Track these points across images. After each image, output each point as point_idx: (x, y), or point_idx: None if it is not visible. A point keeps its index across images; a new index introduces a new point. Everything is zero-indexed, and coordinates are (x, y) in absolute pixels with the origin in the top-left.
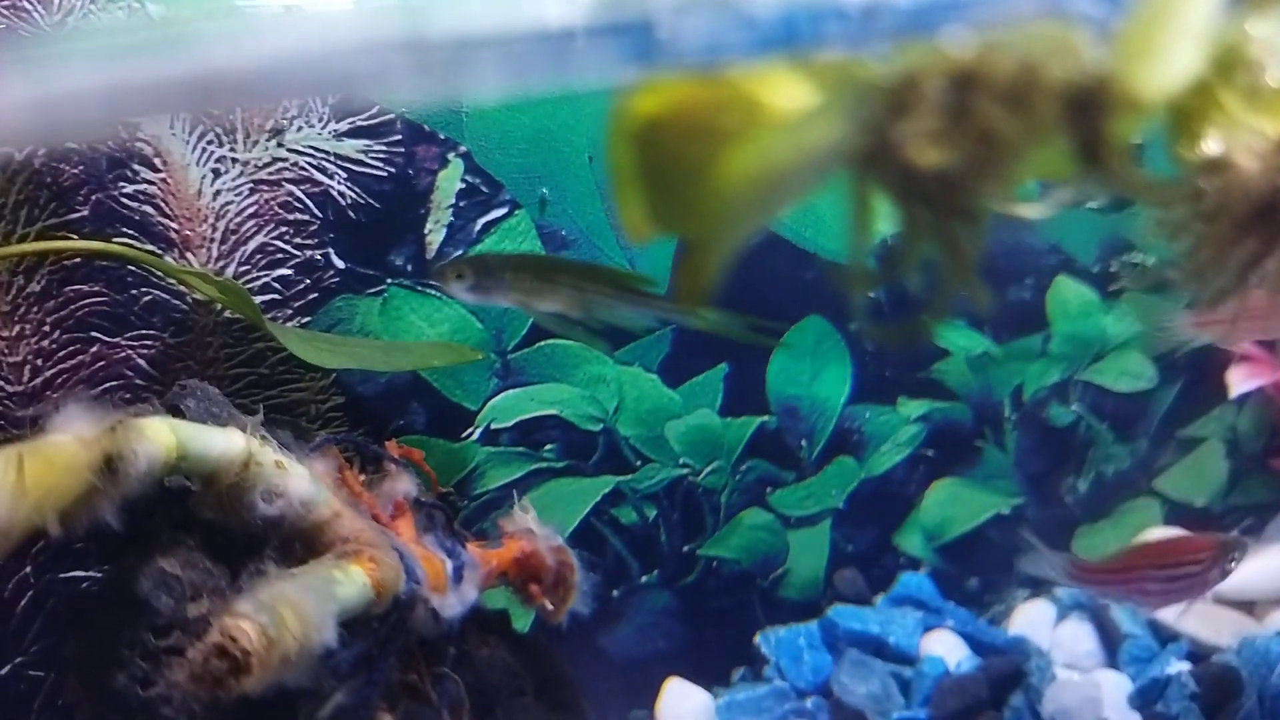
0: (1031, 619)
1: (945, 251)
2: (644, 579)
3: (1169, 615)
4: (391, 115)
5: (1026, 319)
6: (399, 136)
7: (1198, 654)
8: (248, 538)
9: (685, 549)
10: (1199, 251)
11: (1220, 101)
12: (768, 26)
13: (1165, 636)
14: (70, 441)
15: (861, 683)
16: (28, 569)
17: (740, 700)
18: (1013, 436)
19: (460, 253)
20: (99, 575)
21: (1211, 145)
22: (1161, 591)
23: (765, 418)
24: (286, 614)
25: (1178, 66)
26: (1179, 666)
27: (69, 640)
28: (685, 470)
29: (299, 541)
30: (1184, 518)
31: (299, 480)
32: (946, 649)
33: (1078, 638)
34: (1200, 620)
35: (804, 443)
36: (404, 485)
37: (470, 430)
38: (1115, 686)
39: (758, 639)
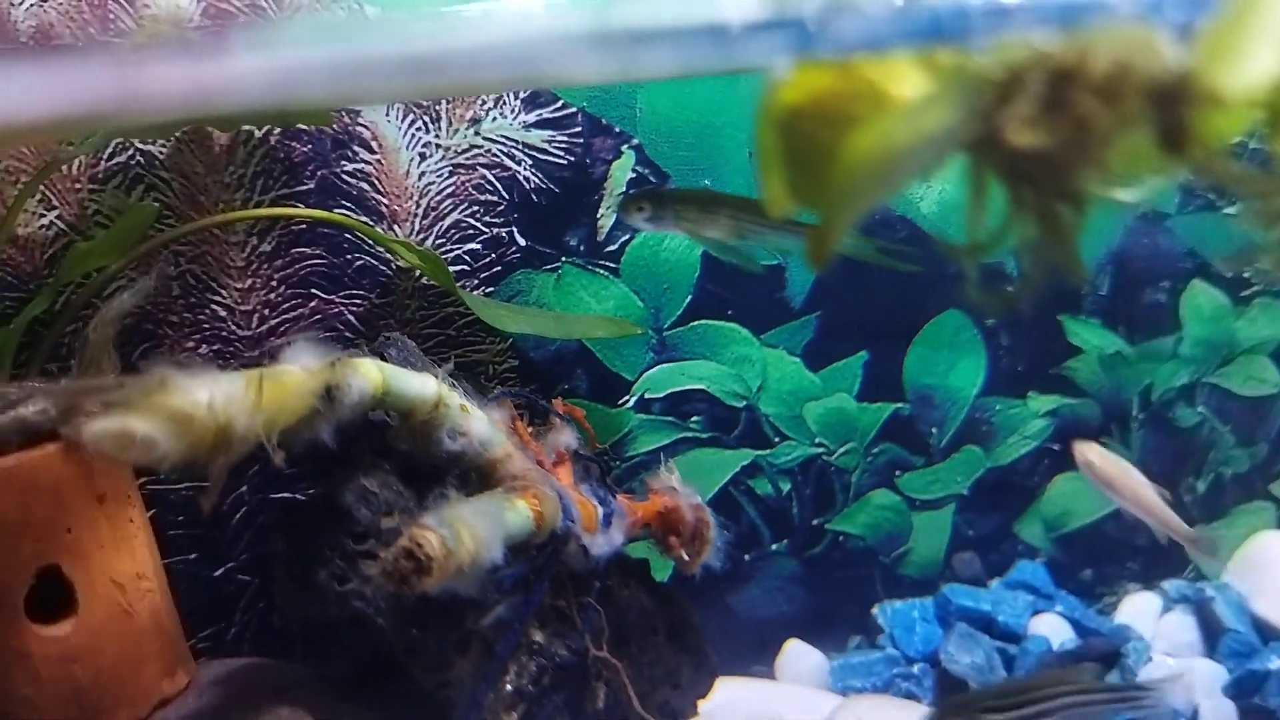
0: (1137, 609)
1: (1046, 230)
2: (774, 547)
3: (1273, 613)
4: (574, 110)
5: (1159, 321)
6: (579, 129)
7: None
8: (433, 468)
9: (814, 522)
10: None
11: None
12: (900, 23)
13: (1268, 634)
14: (299, 371)
15: (967, 653)
16: (244, 488)
17: (853, 664)
18: (1138, 435)
19: (628, 237)
20: (300, 498)
21: None
22: None
23: (900, 405)
24: (463, 531)
25: (1259, 65)
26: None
27: (280, 540)
28: (820, 449)
29: (476, 474)
30: None
31: (479, 423)
32: (1052, 631)
33: (1180, 629)
34: None
35: (935, 430)
36: (566, 438)
37: (626, 398)
38: (1211, 675)
39: (875, 610)
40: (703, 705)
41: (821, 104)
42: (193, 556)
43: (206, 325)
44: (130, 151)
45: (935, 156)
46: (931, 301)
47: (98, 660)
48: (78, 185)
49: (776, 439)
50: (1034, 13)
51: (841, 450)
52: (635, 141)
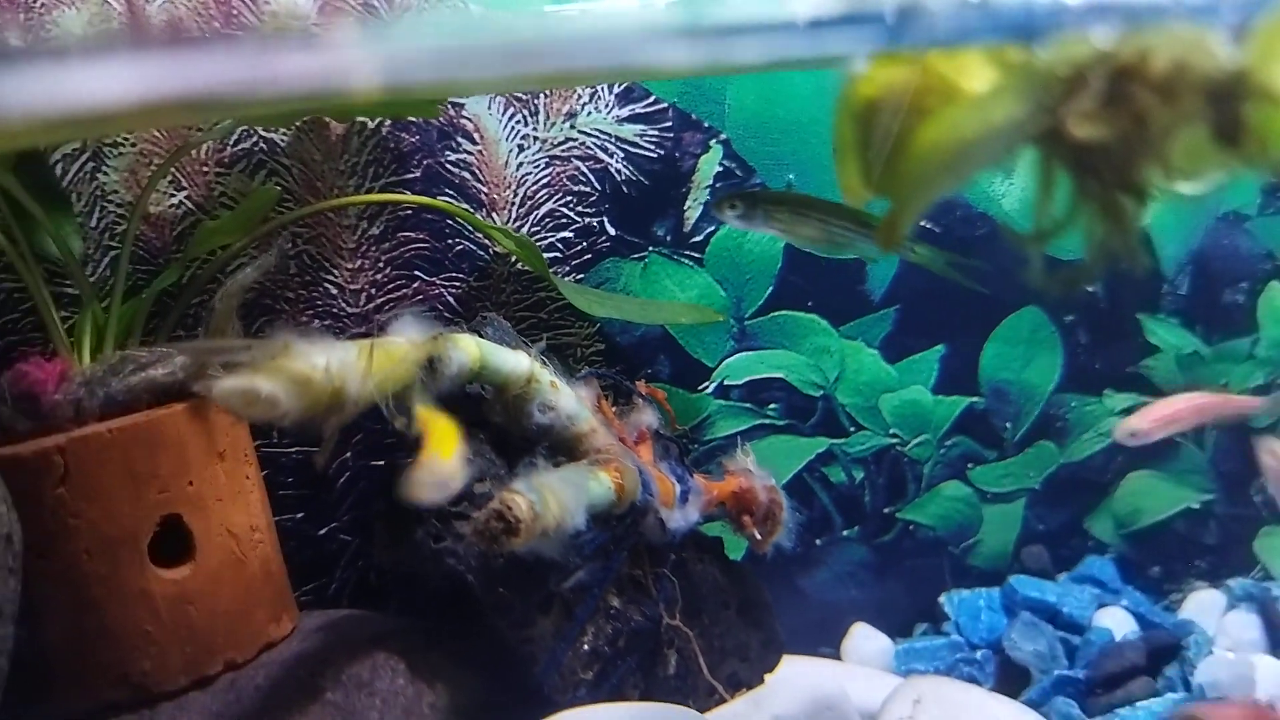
0: (1202, 605)
1: (1109, 219)
2: (845, 533)
3: None
4: (665, 105)
5: (1237, 321)
6: (670, 124)
7: None
8: (524, 439)
9: (886, 510)
10: None
11: None
12: (976, 19)
13: None
14: (404, 342)
15: (1030, 641)
16: (348, 455)
17: (918, 648)
18: (1211, 434)
19: (713, 228)
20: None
21: None
22: None
23: (975, 399)
24: (549, 497)
25: None
26: None
27: (382, 500)
28: (894, 440)
29: (562, 447)
30: None
31: (567, 399)
32: (1116, 623)
33: (1244, 626)
34: None
35: (1009, 425)
36: (647, 418)
37: (706, 384)
38: (1273, 670)
39: (942, 599)
40: (769, 678)
41: (895, 96)
42: (300, 515)
43: (319, 302)
44: (254, 138)
45: (1003, 148)
46: (1010, 297)
47: (212, 603)
48: (205, 168)
49: (852, 428)
50: (1096, 13)
51: (915, 441)
52: (723, 136)
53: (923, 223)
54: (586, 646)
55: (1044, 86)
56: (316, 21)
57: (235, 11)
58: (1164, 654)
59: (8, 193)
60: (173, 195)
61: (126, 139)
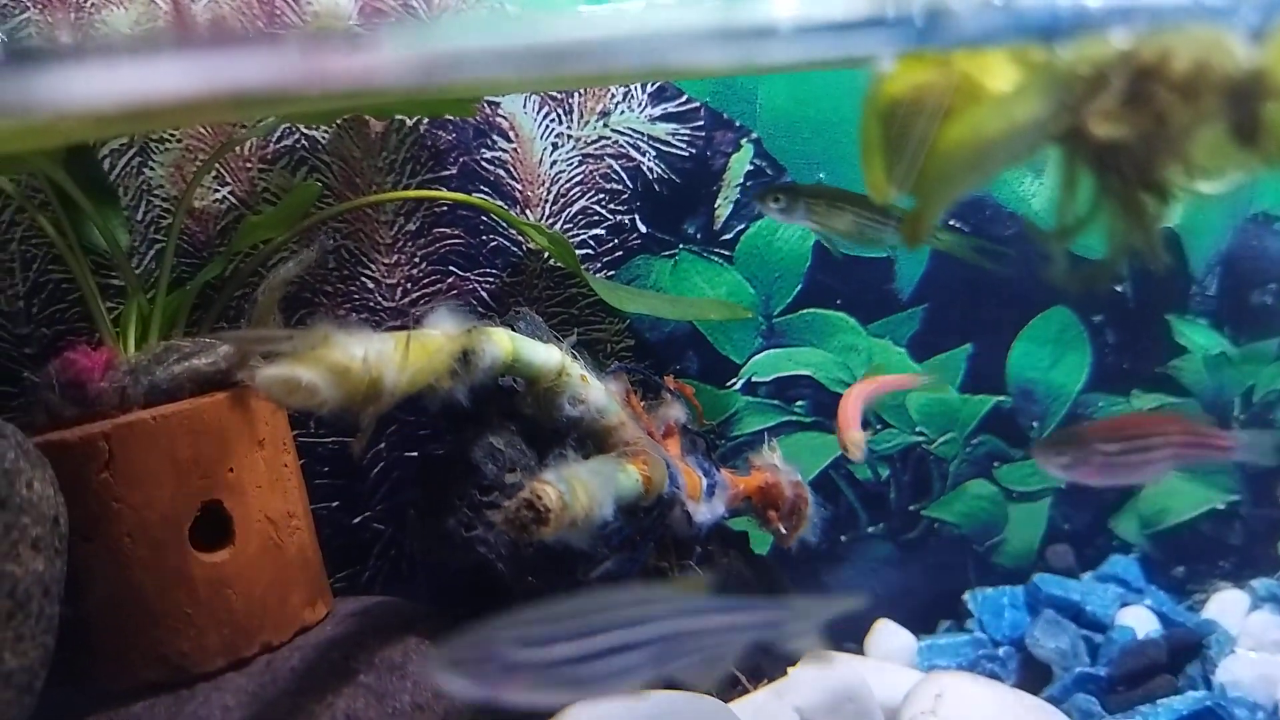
0: (1225, 605)
1: (1131, 216)
2: (870, 530)
3: None
4: (697, 104)
5: (1266, 323)
6: (702, 123)
7: None
8: (554, 431)
9: (911, 508)
10: None
11: None
12: (1001, 20)
13: None
14: (439, 335)
15: (1053, 638)
16: (382, 445)
17: (941, 644)
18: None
19: (743, 226)
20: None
21: None
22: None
23: (1001, 398)
24: (578, 488)
25: None
26: None
27: (415, 489)
28: (920, 438)
29: (592, 439)
30: None
31: (597, 393)
32: (1139, 622)
33: (1267, 627)
34: None
35: (1035, 424)
36: (675, 412)
37: (734, 380)
38: None
39: (966, 596)
40: (791, 670)
41: (920, 96)
42: (335, 504)
43: (356, 295)
44: (296, 135)
45: (1025, 146)
46: (1038, 297)
47: (250, 586)
48: (249, 165)
49: (878, 426)
50: (1118, 14)
51: (941, 439)
52: (754, 135)
53: (951, 221)
54: None
55: (1066, 86)
56: (358, 22)
57: (278, 11)
58: (1186, 652)
59: (58, 186)
60: (217, 190)
61: (172, 135)
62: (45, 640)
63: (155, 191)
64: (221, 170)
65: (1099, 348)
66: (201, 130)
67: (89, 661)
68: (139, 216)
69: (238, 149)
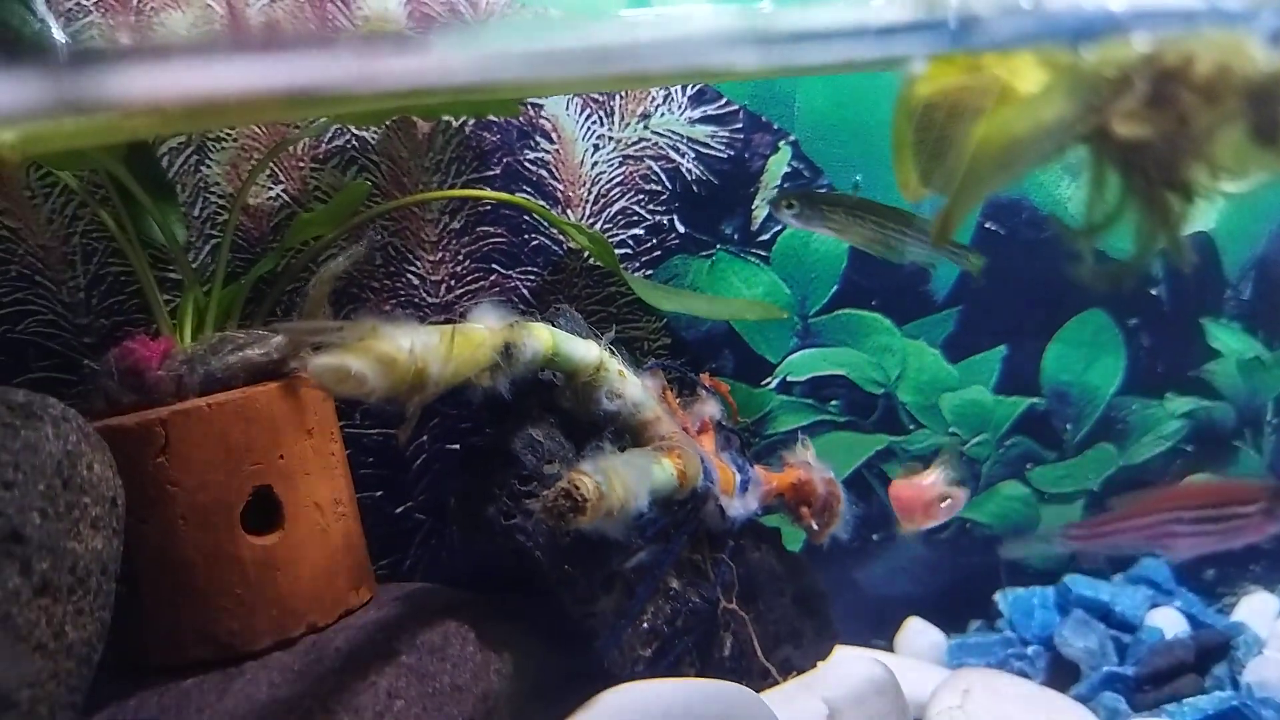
0: (1254, 609)
1: (1156, 216)
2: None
3: None
4: (736, 107)
5: None
6: (740, 125)
7: None
8: (591, 424)
9: None
10: None
11: None
12: (1033, 24)
13: None
14: (483, 329)
15: (1081, 638)
16: (424, 438)
17: (970, 643)
18: (1270, 440)
19: (780, 228)
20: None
21: None
22: (1193, 535)
23: (1035, 399)
24: (615, 479)
25: None
26: None
27: (457, 478)
28: (953, 438)
29: (628, 433)
30: None
31: (634, 388)
32: (1168, 623)
33: None
34: None
35: (1069, 426)
36: (711, 409)
37: (769, 379)
38: None
39: (997, 596)
40: (821, 665)
41: (950, 97)
42: (378, 493)
43: (402, 292)
44: (347, 136)
45: (1052, 146)
46: (1073, 300)
47: (297, 570)
48: (301, 164)
49: (911, 426)
50: (1142, 19)
51: (975, 440)
52: (792, 138)
53: (987, 224)
54: (646, 625)
55: (1091, 87)
56: (408, 25)
57: (330, 15)
58: (1213, 653)
59: (119, 182)
60: (271, 188)
61: (229, 134)
62: (103, 615)
63: (212, 189)
64: (275, 169)
65: (1133, 351)
66: (256, 130)
67: (141, 639)
68: (196, 212)
69: (291, 149)
